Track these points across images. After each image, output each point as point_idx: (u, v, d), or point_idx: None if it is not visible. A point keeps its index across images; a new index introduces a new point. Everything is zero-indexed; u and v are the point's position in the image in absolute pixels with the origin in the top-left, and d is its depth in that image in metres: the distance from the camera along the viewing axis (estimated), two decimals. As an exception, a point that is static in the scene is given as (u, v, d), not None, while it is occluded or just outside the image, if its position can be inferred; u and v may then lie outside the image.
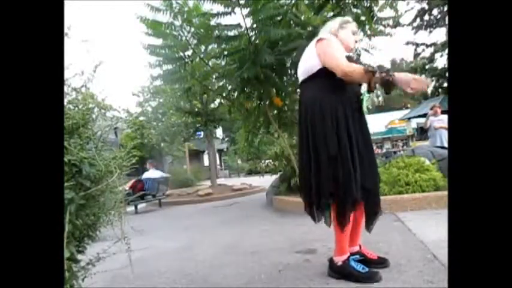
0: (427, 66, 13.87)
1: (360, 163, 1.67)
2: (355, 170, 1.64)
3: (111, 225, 1.34)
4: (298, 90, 1.93)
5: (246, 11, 3.87)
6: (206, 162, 17.26)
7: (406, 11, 12.35)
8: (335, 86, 1.68)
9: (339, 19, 1.90)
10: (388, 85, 1.48)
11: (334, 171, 1.65)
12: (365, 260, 1.83)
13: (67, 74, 1.17)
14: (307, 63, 1.78)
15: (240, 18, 3.96)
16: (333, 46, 1.69)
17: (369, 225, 1.84)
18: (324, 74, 1.69)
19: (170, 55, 4.42)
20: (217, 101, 8.26)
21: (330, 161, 1.65)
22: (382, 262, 1.84)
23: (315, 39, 1.77)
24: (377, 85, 1.58)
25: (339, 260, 1.75)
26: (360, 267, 1.71)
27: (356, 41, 1.88)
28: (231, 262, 2.29)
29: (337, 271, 1.74)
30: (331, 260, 1.79)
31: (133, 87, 26.76)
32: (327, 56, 1.67)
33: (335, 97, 1.69)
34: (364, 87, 1.77)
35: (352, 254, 1.91)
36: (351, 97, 1.73)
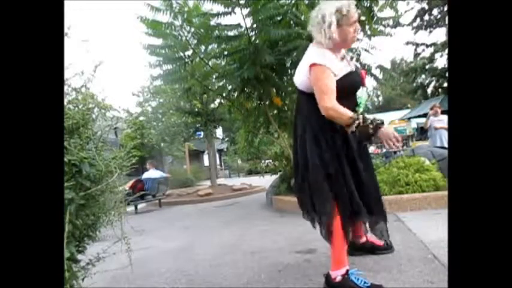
0: (427, 66, 13.88)
1: (357, 179, 1.65)
2: (350, 185, 1.61)
3: (111, 225, 1.34)
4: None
5: (246, 11, 3.87)
6: (206, 162, 17.24)
7: (406, 11, 12.37)
8: None
9: (333, 15, 1.58)
10: (368, 136, 1.53)
11: (328, 188, 1.62)
12: (373, 247, 2.02)
13: (67, 74, 1.18)
14: (301, 79, 1.71)
15: (240, 18, 3.97)
16: (323, 79, 1.57)
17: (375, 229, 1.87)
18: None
19: (170, 55, 4.42)
20: (217, 101, 8.26)
21: (322, 180, 1.62)
22: (388, 248, 2.04)
23: (309, 61, 1.62)
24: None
25: (337, 274, 1.59)
26: (361, 282, 1.55)
27: (355, 30, 1.64)
28: (231, 262, 2.29)
29: (335, 286, 1.58)
30: (327, 275, 1.63)
31: (133, 87, 26.84)
32: (316, 89, 1.60)
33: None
34: (360, 93, 1.73)
35: (361, 245, 2.03)
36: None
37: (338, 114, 1.54)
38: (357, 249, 2.02)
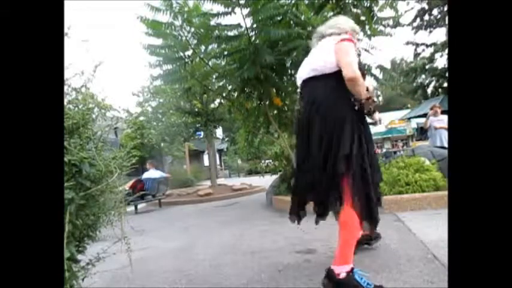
0: (427, 66, 13.87)
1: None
2: (370, 174, 1.59)
3: (111, 225, 1.34)
4: (298, 90, 1.92)
5: (246, 11, 3.87)
6: (206, 162, 17.25)
7: (406, 11, 12.38)
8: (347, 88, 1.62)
9: (352, 25, 1.86)
10: (368, 110, 1.70)
11: (355, 174, 1.56)
12: (363, 238, 2.06)
13: (67, 74, 1.18)
14: (323, 61, 1.68)
15: (240, 18, 3.97)
16: (353, 55, 1.63)
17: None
18: (340, 75, 1.61)
19: (170, 55, 4.42)
20: (217, 101, 8.26)
21: (350, 164, 1.55)
22: (376, 237, 2.16)
23: (338, 38, 1.70)
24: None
25: (342, 270, 1.54)
26: (364, 283, 1.52)
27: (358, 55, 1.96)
28: (231, 262, 2.29)
29: (339, 283, 1.53)
30: (330, 270, 1.58)
31: (133, 87, 26.86)
32: (344, 54, 1.61)
33: (350, 99, 1.65)
34: None
35: (360, 240, 2.00)
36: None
37: (361, 81, 1.60)
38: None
